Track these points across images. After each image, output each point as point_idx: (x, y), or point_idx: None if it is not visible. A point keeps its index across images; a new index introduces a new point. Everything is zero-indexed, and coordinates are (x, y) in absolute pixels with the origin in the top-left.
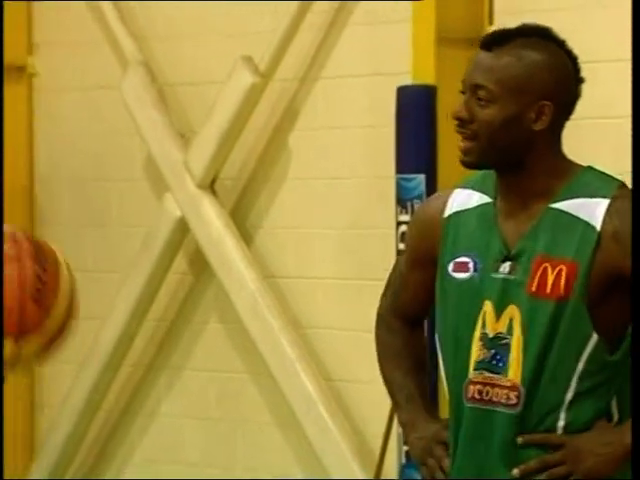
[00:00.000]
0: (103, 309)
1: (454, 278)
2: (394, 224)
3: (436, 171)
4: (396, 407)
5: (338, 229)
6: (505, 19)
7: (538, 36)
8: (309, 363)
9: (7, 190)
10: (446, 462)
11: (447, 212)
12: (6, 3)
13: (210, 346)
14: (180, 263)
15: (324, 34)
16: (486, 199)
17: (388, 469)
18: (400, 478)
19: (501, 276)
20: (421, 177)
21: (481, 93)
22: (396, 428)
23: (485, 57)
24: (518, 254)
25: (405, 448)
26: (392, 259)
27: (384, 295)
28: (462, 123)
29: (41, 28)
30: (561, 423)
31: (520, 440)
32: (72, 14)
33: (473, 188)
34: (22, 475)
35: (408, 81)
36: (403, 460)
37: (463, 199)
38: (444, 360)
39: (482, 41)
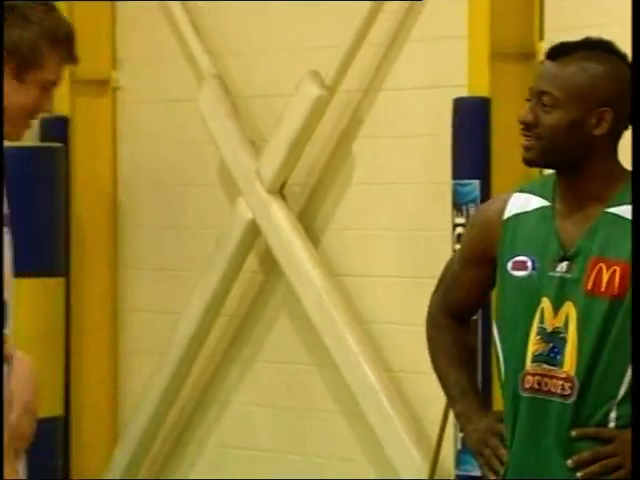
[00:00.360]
0: (180, 305)
1: (513, 276)
2: (450, 226)
3: (490, 177)
4: (451, 401)
5: (398, 231)
6: (555, 35)
7: (601, 49)
8: (371, 355)
9: (92, 196)
10: (502, 451)
11: (507, 214)
12: (93, 21)
13: (279, 340)
14: (251, 263)
15: (385, 49)
16: (545, 202)
17: (445, 454)
18: (456, 462)
19: (558, 274)
20: (476, 182)
21: (546, 99)
22: (452, 416)
23: (551, 66)
24: (575, 254)
25: (460, 435)
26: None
27: (435, 292)
28: (527, 127)
29: (124, 45)
30: (613, 416)
31: (574, 433)
32: (152, 32)
33: (532, 192)
34: (107, 455)
35: (464, 93)
36: (459, 446)
37: (522, 202)
38: (502, 353)
39: (548, 52)
